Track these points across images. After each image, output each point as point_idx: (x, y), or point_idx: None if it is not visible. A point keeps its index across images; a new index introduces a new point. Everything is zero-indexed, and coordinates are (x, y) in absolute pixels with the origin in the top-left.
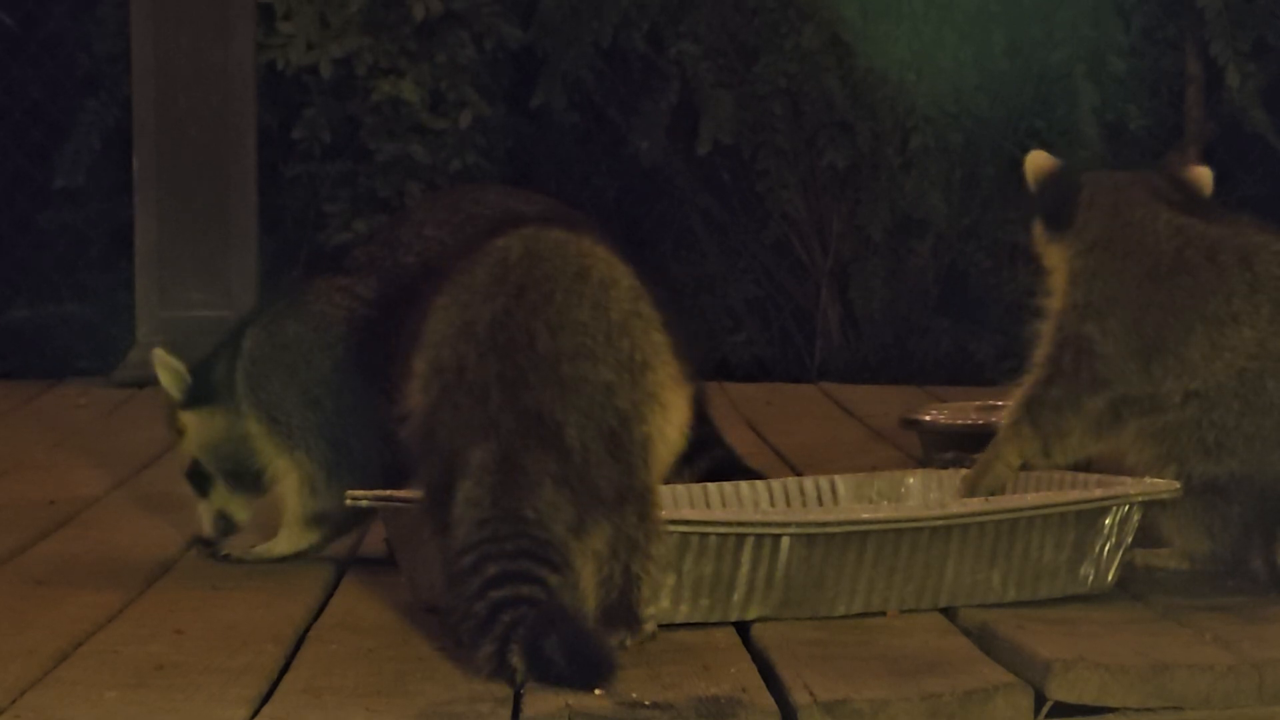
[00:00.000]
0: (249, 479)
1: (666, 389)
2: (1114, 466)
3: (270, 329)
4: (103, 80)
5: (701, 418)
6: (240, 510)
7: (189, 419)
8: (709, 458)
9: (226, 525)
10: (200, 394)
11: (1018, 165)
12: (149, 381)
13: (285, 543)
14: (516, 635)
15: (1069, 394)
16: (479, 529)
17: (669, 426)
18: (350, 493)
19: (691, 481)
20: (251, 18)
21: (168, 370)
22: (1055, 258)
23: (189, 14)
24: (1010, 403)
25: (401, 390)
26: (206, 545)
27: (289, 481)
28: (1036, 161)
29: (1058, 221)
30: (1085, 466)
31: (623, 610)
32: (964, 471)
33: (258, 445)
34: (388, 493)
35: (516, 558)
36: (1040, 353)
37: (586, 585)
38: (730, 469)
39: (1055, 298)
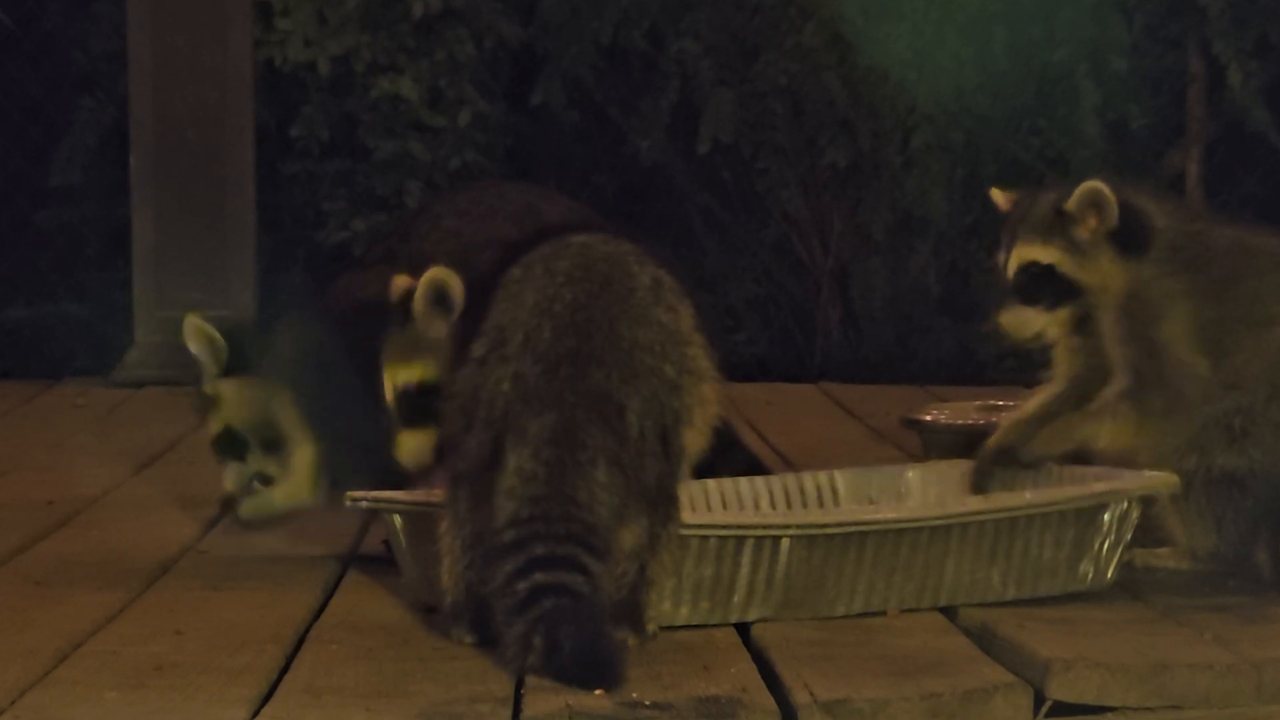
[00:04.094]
0: (284, 442)
1: (702, 408)
2: (1114, 458)
3: (299, 335)
4: (99, 79)
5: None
6: (279, 471)
7: (226, 387)
8: (731, 460)
9: (265, 483)
10: (239, 362)
11: (1019, 165)
12: (147, 381)
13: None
14: (545, 620)
15: (1168, 404)
16: (530, 505)
17: (695, 444)
18: (349, 494)
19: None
20: (249, 15)
21: (203, 339)
22: (1113, 277)
23: (186, 12)
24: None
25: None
26: (230, 505)
27: (305, 464)
28: (1102, 191)
29: (1134, 248)
30: (1087, 460)
31: (630, 610)
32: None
33: (289, 432)
34: (388, 493)
35: (564, 541)
36: (1128, 363)
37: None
38: (751, 472)
39: (1111, 312)
